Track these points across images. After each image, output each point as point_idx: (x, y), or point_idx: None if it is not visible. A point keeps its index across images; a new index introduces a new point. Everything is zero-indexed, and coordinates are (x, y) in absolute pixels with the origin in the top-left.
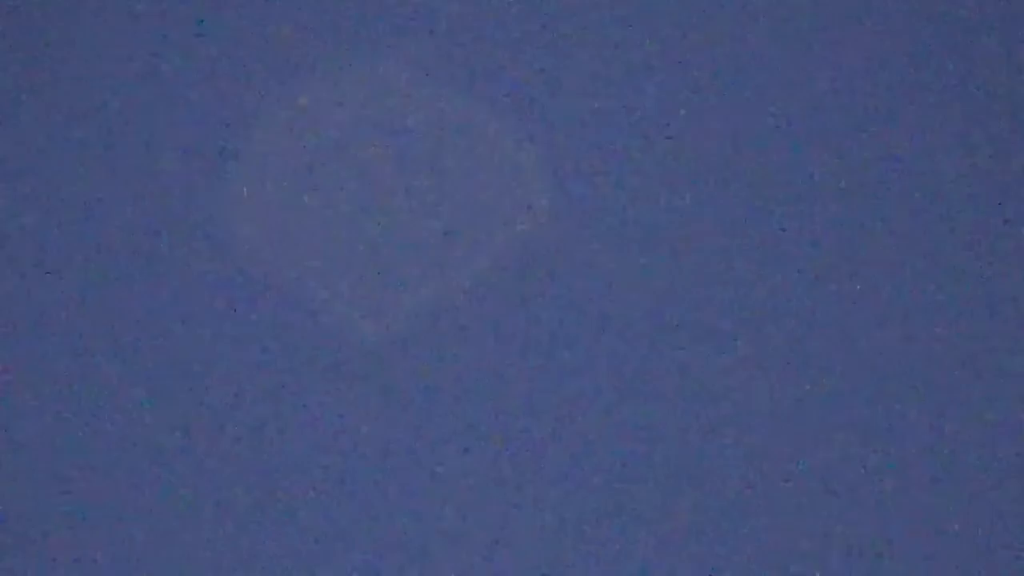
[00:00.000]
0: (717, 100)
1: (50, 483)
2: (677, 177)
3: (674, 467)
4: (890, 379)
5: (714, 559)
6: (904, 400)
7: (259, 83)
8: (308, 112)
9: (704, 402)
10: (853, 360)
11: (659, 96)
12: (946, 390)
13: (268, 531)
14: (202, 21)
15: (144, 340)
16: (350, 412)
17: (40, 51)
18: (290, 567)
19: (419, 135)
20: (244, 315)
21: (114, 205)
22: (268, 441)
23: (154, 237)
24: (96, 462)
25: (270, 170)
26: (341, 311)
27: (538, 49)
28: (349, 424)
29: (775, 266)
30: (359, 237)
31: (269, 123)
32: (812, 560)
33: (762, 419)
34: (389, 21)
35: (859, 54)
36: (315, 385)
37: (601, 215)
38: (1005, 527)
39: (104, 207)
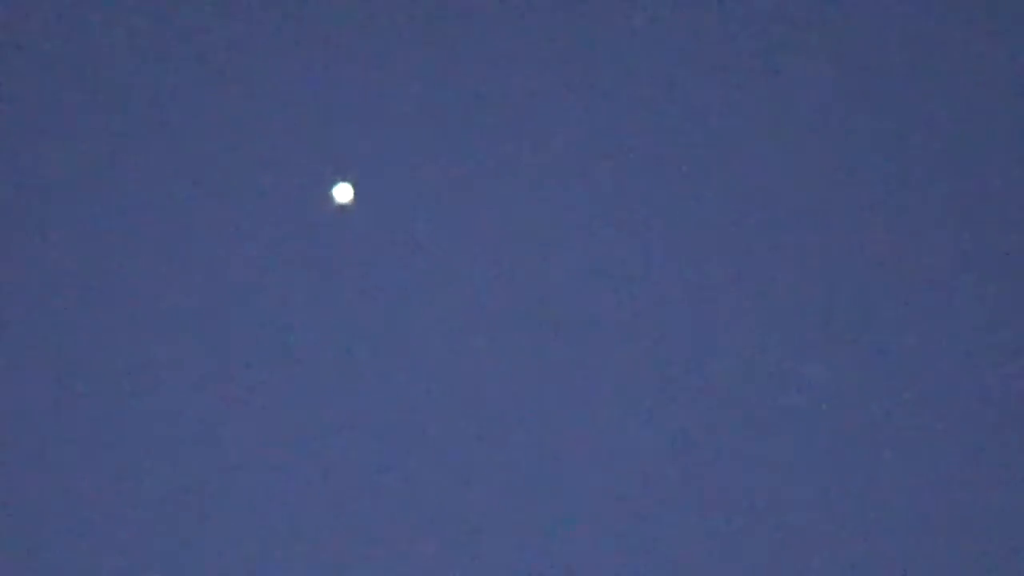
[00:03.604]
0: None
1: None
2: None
3: (680, 473)
4: (889, 382)
5: (719, 563)
6: (905, 401)
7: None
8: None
9: (709, 408)
10: (853, 364)
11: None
12: (948, 392)
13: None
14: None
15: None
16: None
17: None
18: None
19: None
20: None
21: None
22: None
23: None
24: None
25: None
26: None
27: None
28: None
29: (774, 269)
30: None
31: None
32: (812, 561)
33: (764, 424)
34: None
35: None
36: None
37: (599, 218)
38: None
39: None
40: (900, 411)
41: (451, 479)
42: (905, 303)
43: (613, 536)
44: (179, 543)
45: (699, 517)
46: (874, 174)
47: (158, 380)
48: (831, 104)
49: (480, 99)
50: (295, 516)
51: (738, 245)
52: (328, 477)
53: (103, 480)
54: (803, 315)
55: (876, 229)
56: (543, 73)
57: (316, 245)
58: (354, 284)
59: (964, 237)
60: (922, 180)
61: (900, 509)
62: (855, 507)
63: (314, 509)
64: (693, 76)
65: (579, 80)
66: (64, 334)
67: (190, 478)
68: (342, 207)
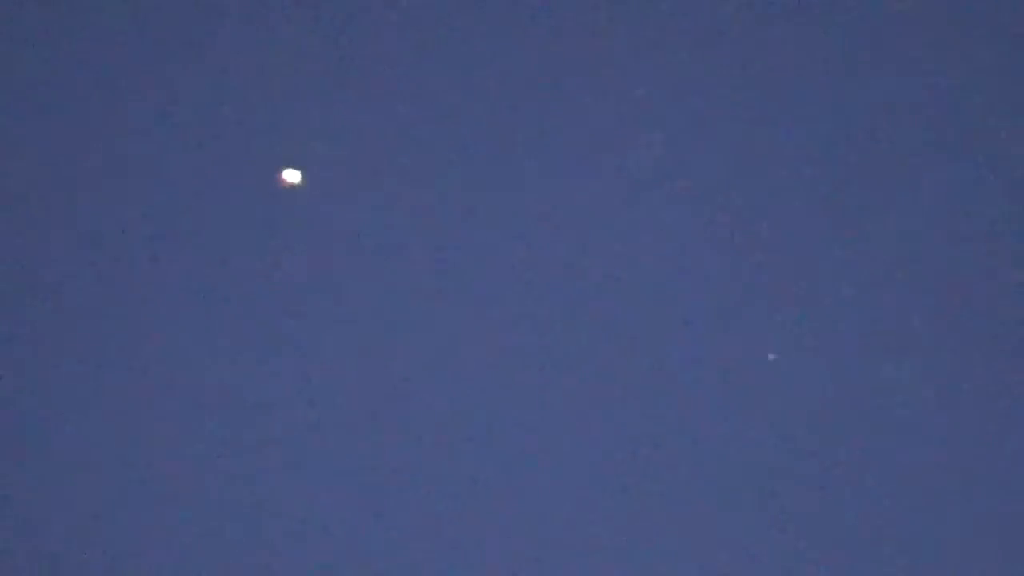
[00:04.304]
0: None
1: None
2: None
3: (679, 470)
4: (891, 385)
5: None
6: (906, 402)
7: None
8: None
9: (711, 406)
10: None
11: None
12: (949, 394)
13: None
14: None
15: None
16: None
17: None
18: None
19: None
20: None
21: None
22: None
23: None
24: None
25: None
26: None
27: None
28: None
29: (778, 268)
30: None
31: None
32: (812, 561)
33: (765, 421)
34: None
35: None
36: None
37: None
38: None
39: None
40: (899, 409)
41: (448, 477)
42: (906, 300)
43: (613, 536)
44: (171, 543)
45: (698, 516)
46: (879, 174)
47: (136, 370)
48: (830, 102)
49: (477, 89)
50: (290, 516)
51: (738, 245)
52: (320, 473)
53: (100, 479)
54: (807, 313)
55: (876, 228)
56: (540, 64)
57: (310, 238)
58: (349, 276)
59: (963, 236)
60: (924, 177)
61: (897, 507)
62: (854, 506)
63: (307, 508)
64: (690, 74)
65: (576, 72)
66: (39, 323)
67: (179, 476)
68: (291, 187)
